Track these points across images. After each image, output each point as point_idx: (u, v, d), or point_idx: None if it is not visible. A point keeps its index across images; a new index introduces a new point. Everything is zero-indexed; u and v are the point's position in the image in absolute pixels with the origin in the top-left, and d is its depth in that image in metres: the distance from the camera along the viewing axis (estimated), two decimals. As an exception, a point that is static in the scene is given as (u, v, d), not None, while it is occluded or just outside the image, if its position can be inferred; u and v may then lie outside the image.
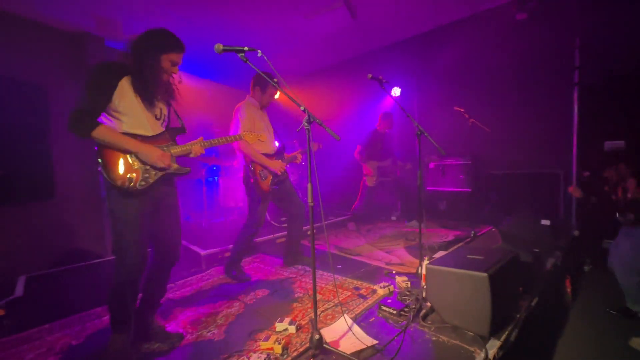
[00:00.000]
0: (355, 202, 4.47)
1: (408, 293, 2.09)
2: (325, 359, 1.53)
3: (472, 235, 3.15)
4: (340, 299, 2.20)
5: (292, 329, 1.79)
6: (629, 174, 2.13)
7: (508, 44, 3.90)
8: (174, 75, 1.72)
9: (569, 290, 2.53)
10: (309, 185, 1.57)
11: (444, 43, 4.40)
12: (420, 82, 4.87)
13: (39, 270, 2.97)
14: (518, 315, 1.77)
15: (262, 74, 1.66)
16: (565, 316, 2.30)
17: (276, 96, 2.78)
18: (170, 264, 1.81)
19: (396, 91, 4.84)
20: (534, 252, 2.42)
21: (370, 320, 1.90)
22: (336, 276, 2.65)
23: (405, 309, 1.89)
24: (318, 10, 3.79)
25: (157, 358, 1.65)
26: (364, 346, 1.59)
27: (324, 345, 1.57)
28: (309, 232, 1.64)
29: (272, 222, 4.39)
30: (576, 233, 3.41)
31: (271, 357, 1.55)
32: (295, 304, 2.17)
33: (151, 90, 1.60)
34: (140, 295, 1.73)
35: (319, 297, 2.25)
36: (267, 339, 1.64)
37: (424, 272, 1.89)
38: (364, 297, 2.22)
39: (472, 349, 1.54)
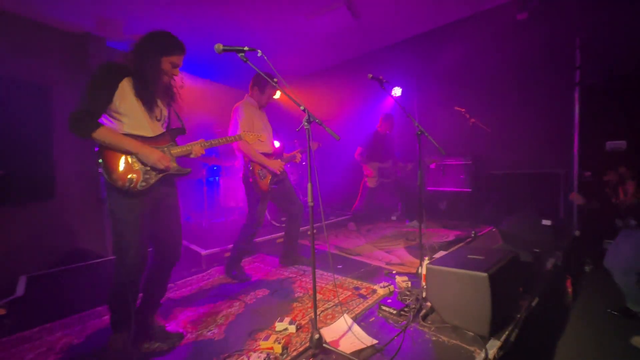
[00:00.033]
0: (356, 202, 4.47)
1: (408, 293, 2.09)
2: (325, 359, 1.53)
3: (472, 235, 3.14)
4: (340, 299, 2.20)
5: (292, 328, 1.79)
6: (629, 176, 2.14)
7: (508, 44, 3.89)
8: (176, 79, 1.73)
9: (569, 290, 2.53)
10: (309, 185, 1.57)
11: (444, 43, 4.39)
12: (421, 82, 4.86)
13: (40, 270, 2.98)
14: (518, 315, 1.77)
15: (262, 74, 1.67)
16: (565, 316, 2.30)
17: (276, 96, 2.78)
18: (170, 264, 1.82)
19: (397, 91, 4.84)
20: (534, 252, 2.41)
21: (370, 320, 1.90)
22: (336, 276, 2.65)
23: (405, 309, 1.89)
24: (318, 10, 3.79)
25: (157, 357, 1.66)
26: (364, 346, 1.59)
27: (324, 344, 1.57)
28: (309, 232, 1.64)
29: (272, 222, 4.39)
30: (577, 233, 3.41)
31: (271, 356, 1.55)
32: (295, 304, 2.17)
33: (151, 92, 1.61)
34: (140, 295, 1.73)
35: (319, 296, 2.25)
36: (267, 338, 1.65)
37: (424, 272, 1.89)
38: (364, 297, 2.22)
39: (472, 349, 1.54)
